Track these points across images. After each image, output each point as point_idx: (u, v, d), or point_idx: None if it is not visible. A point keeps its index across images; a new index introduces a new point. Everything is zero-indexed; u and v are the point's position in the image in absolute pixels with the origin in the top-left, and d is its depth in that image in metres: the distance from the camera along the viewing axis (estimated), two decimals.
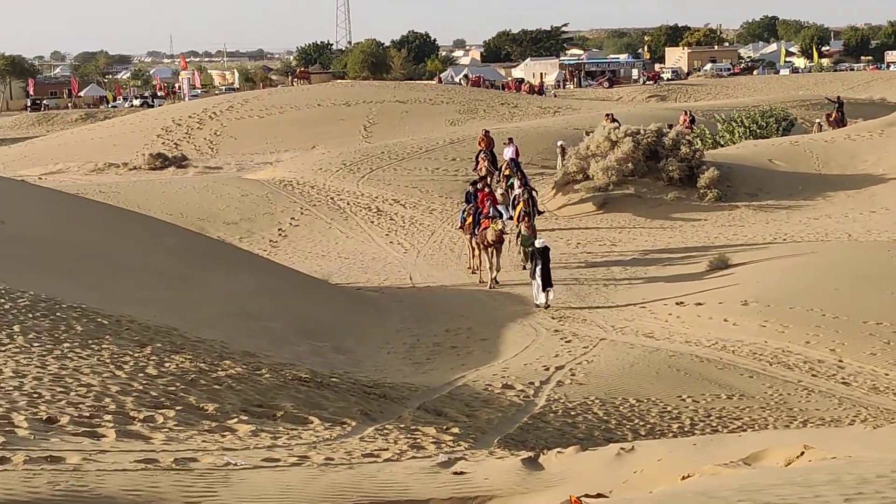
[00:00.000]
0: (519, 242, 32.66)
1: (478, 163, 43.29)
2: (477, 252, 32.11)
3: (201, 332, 19.36)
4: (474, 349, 24.07)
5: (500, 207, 33.02)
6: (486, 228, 30.67)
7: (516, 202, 34.42)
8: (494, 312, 27.84)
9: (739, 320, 24.76)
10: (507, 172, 39.49)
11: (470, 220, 32.40)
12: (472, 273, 32.50)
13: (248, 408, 13.78)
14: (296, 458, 11.17)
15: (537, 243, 28.38)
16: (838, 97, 64.48)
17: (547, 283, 27.76)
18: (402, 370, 21.92)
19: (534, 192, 36.32)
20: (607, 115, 51.31)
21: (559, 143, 47.26)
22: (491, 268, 30.92)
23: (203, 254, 29.40)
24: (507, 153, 41.60)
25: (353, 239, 39.81)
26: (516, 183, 36.54)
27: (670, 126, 48.15)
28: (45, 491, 8.73)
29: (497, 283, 30.76)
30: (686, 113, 55.95)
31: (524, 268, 31.58)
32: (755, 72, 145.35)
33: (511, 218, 33.57)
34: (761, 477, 7.54)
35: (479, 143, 44.43)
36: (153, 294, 22.58)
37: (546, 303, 27.73)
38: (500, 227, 30.67)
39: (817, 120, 59.14)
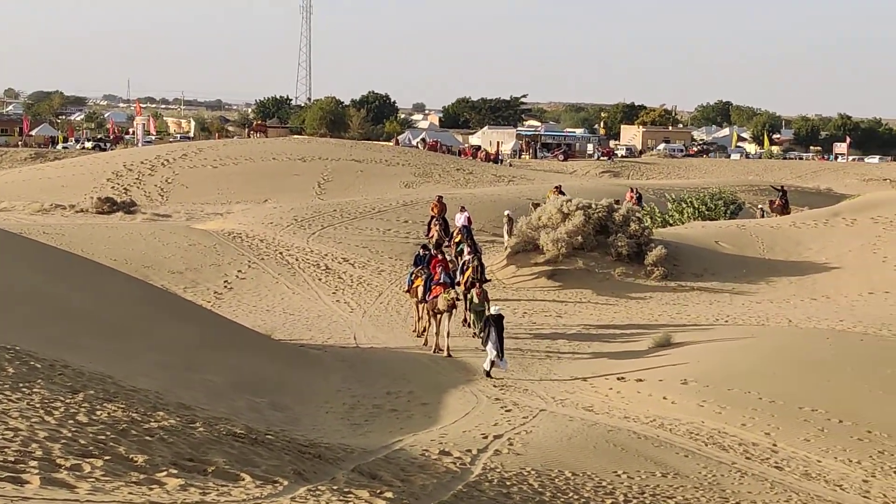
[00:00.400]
0: (469, 309, 32.68)
1: (430, 229, 42.80)
2: (424, 316, 31.86)
3: (137, 382, 19.11)
4: (414, 413, 23.92)
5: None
6: (437, 296, 30.37)
7: (465, 268, 34.41)
8: (437, 377, 27.71)
9: (678, 399, 24.79)
10: (457, 239, 39.23)
11: (418, 283, 32.25)
12: (418, 336, 32.26)
13: (178, 461, 13.56)
14: None
15: (493, 310, 28.22)
16: (782, 186, 65.30)
17: (500, 353, 27.44)
18: (340, 430, 21.73)
19: (482, 259, 36.12)
20: (555, 187, 51.64)
21: (506, 213, 47.29)
22: (438, 334, 30.65)
23: (145, 302, 29.09)
24: (459, 220, 41.35)
25: (299, 295, 39.64)
26: (466, 249, 36.41)
27: (617, 202, 48.54)
28: None
29: (443, 350, 30.26)
30: (633, 190, 56.35)
31: (474, 335, 31.43)
32: (710, 154, 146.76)
33: (459, 283, 33.35)
34: None
35: (433, 209, 43.97)
36: (91, 340, 22.28)
37: (489, 371, 27.46)
38: (452, 295, 30.34)
39: (760, 206, 59.71)
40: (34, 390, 15.29)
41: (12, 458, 11.53)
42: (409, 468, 17.83)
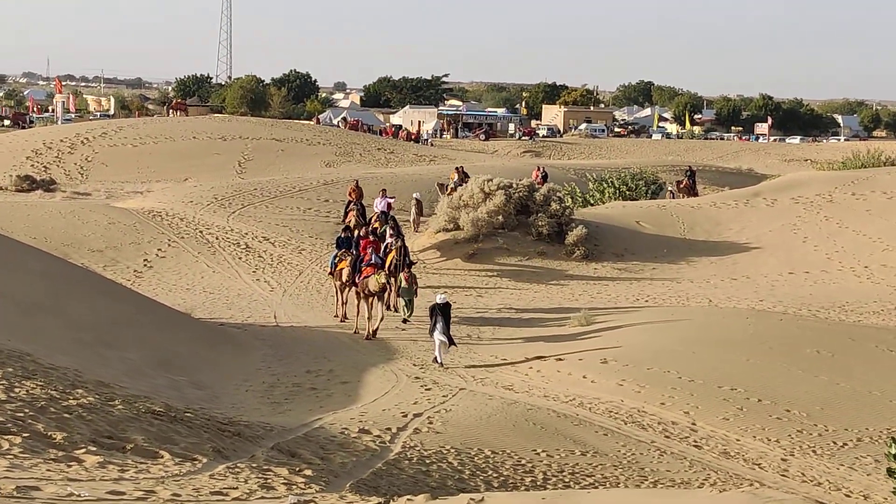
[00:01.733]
0: (398, 294, 32.18)
1: (346, 214, 41.68)
2: (352, 300, 31.35)
3: (55, 359, 18.98)
4: (334, 392, 23.96)
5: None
6: (367, 277, 29.94)
7: (388, 250, 33.78)
8: (357, 356, 27.75)
9: (598, 378, 24.99)
10: (375, 225, 37.98)
11: (342, 266, 31.81)
12: (341, 322, 31.77)
13: (97, 438, 13.51)
14: (142, 492, 10.98)
15: (438, 299, 27.58)
16: (689, 167, 65.65)
17: (450, 340, 27.07)
18: (260, 409, 21.73)
19: (406, 242, 35.63)
20: (456, 168, 51.57)
21: (414, 196, 47.11)
22: (370, 318, 30.17)
23: (64, 280, 28.83)
24: (379, 205, 40.79)
25: (219, 274, 39.46)
26: (388, 232, 35.85)
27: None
28: None
29: (374, 335, 29.86)
30: (539, 168, 56.53)
31: (404, 320, 31.31)
32: (639, 135, 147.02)
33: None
34: None
35: (350, 194, 43.13)
36: (9, 318, 22.08)
37: (440, 360, 26.80)
38: (383, 278, 29.96)
39: (669, 186, 59.95)
40: None
41: None
42: (328, 446, 17.88)
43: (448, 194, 46.49)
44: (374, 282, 29.67)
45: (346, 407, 22.12)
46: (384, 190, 43.60)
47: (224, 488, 11.89)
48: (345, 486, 14.61)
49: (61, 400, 15.15)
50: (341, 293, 32.31)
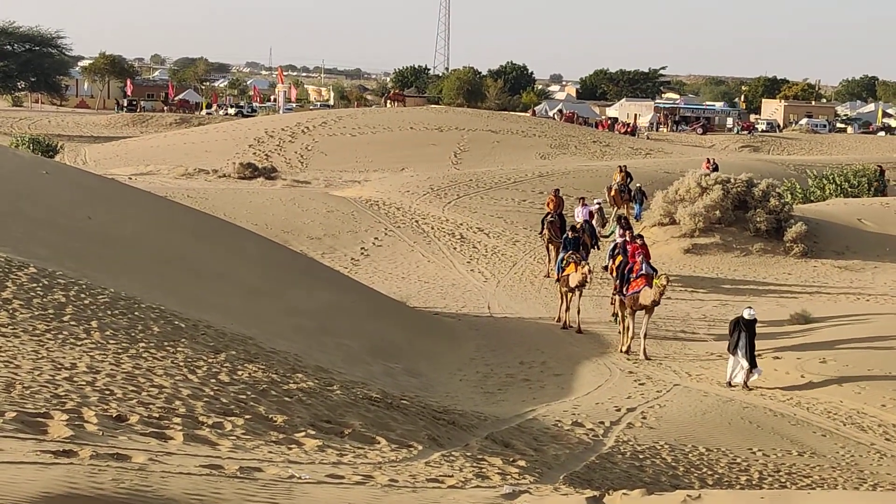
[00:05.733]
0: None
1: (543, 227, 38.37)
2: (566, 300, 29.82)
3: (276, 344, 19.44)
4: (547, 384, 23.95)
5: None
6: (638, 290, 27.03)
7: (615, 253, 31.48)
8: (570, 349, 27.68)
9: (816, 377, 24.40)
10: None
11: (570, 270, 29.51)
12: (563, 328, 29.80)
13: (316, 423, 13.76)
14: (360, 476, 11.12)
15: (745, 314, 24.49)
16: (880, 165, 62.80)
17: (752, 362, 24.17)
18: (473, 398, 21.85)
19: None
20: (619, 167, 50.12)
21: (596, 202, 43.07)
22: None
23: (284, 266, 29.54)
24: (580, 214, 38.66)
25: (434, 264, 39.83)
26: (618, 231, 33.29)
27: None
28: (108, 487, 8.75)
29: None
30: (709, 161, 55.20)
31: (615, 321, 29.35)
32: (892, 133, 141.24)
33: (606, 269, 31.76)
34: None
35: (548, 205, 39.58)
36: (232, 302, 22.72)
37: (745, 384, 24.15)
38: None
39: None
40: (178, 349, 15.64)
41: (157, 415, 11.81)
42: (541, 438, 17.88)
43: (611, 195, 45.86)
44: (647, 296, 26.80)
45: (559, 399, 22.08)
46: (583, 198, 41.68)
47: (440, 476, 11.97)
48: (558, 478, 14.57)
49: (282, 384, 15.48)
50: (566, 298, 29.98)
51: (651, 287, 26.61)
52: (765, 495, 13.09)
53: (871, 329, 28.64)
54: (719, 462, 18.61)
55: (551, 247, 37.19)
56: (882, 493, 17.91)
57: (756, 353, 24.37)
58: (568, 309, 29.93)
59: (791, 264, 41.40)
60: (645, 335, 27.02)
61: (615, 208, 45.47)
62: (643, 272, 27.26)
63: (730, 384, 24.20)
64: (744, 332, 24.11)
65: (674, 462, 18.11)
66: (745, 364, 24.10)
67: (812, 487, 17.73)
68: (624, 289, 27.69)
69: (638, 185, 47.07)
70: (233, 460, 10.65)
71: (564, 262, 30.42)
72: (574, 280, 29.21)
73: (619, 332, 28.19)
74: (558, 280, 30.79)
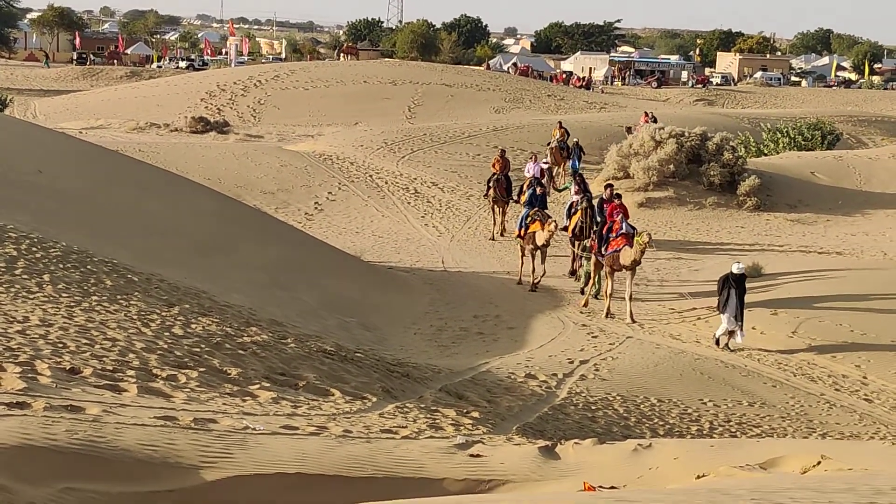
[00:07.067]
0: (581, 251, 29.30)
1: (489, 189, 37.48)
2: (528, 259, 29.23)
3: (230, 298, 19.44)
4: (500, 337, 24.08)
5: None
6: (618, 250, 26.17)
7: (572, 211, 31.03)
8: (524, 302, 27.80)
9: (767, 329, 24.64)
10: (524, 199, 32.41)
11: (535, 227, 28.82)
12: (532, 290, 29.01)
13: (270, 375, 13.81)
14: (314, 427, 11.19)
15: (734, 268, 23.99)
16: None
17: (740, 317, 23.61)
18: (427, 352, 21.96)
19: (593, 202, 30.33)
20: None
21: (544, 162, 41.19)
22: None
23: (237, 221, 29.46)
24: (531, 170, 37.47)
25: (388, 218, 39.84)
26: (573, 188, 32.36)
27: (628, 129, 48.70)
28: (62, 438, 8.78)
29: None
30: (647, 113, 54.81)
31: (582, 291, 28.45)
32: (851, 86, 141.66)
33: (566, 229, 30.42)
34: (776, 481, 7.52)
35: (493, 166, 38.09)
36: (185, 256, 22.66)
37: (734, 341, 23.72)
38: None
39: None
40: (131, 303, 15.63)
41: (110, 367, 11.82)
42: (495, 390, 18.00)
43: (552, 153, 45.41)
44: (626, 256, 25.96)
45: (513, 352, 22.21)
46: (535, 154, 41.51)
47: (394, 427, 12.05)
48: (511, 429, 14.69)
49: (236, 337, 15.51)
50: (531, 257, 29.19)
51: (631, 247, 25.86)
52: (714, 444, 13.26)
53: (823, 284, 28.92)
54: (671, 413, 18.81)
55: (496, 208, 37.00)
56: (831, 441, 18.17)
57: (746, 309, 23.64)
58: (533, 269, 29.11)
59: (744, 218, 41.70)
60: (630, 297, 26.16)
61: (556, 166, 44.89)
62: (623, 231, 26.40)
63: (718, 344, 23.73)
64: (734, 289, 23.52)
65: (626, 413, 18.29)
66: (737, 324, 23.50)
67: (762, 437, 17.96)
68: (602, 248, 26.78)
69: (575, 139, 46.90)
70: (187, 412, 10.69)
71: (529, 218, 29.48)
72: (541, 238, 28.55)
73: (584, 291, 27.89)
74: (521, 237, 29.70)
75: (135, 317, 14.75)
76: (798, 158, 50.36)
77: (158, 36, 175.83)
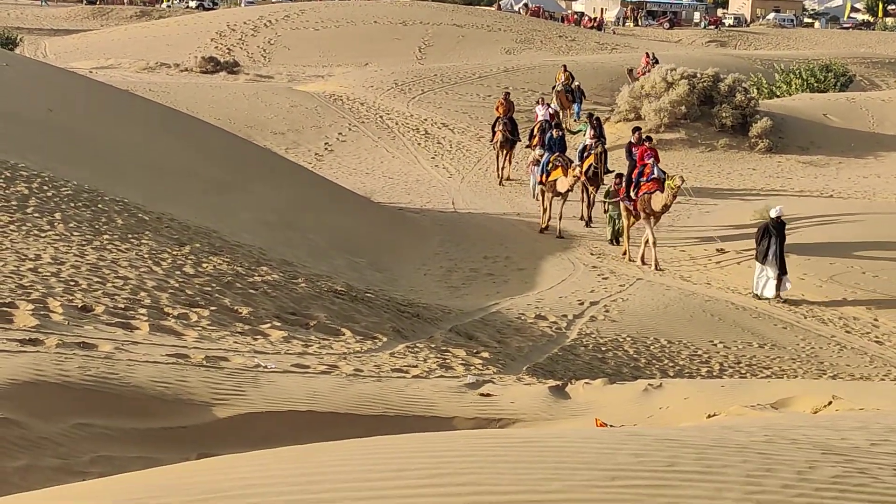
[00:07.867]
0: (606, 208, 28.43)
1: (494, 133, 37.01)
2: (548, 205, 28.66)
3: (240, 238, 19.45)
4: (511, 278, 24.08)
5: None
6: (649, 192, 25.38)
7: (585, 155, 30.56)
8: (534, 244, 27.78)
9: None
10: (535, 142, 33.58)
11: (557, 174, 28.28)
12: (541, 232, 28.77)
13: (281, 314, 13.85)
14: (325, 366, 11.23)
15: (772, 213, 23.41)
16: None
17: (782, 269, 23.01)
18: (438, 292, 21.97)
19: (605, 147, 30.96)
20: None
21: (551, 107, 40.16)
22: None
23: (248, 161, 29.42)
24: (540, 113, 36.90)
25: (398, 159, 39.77)
26: (588, 132, 32.14)
27: (630, 70, 48.51)
28: (75, 375, 8.81)
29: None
30: (648, 55, 54.09)
31: (610, 241, 27.86)
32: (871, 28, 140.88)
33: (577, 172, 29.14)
34: (788, 419, 7.54)
35: (497, 109, 37.92)
36: (195, 196, 22.65)
37: (777, 294, 23.05)
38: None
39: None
40: (142, 241, 15.64)
41: (122, 306, 11.85)
42: (505, 330, 18.03)
43: (558, 97, 44.91)
44: (658, 200, 25.21)
45: (523, 293, 22.22)
46: (542, 97, 40.88)
47: (404, 366, 12.09)
48: (521, 369, 14.73)
49: (247, 276, 15.53)
50: (552, 205, 28.76)
51: (663, 191, 25.19)
52: (725, 384, 13.30)
53: (834, 224, 28.86)
54: (680, 354, 18.83)
55: (503, 152, 36.69)
56: (842, 382, 18.20)
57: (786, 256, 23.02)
58: (552, 216, 28.71)
59: (756, 160, 41.51)
60: (654, 243, 25.61)
61: (562, 110, 44.42)
62: (654, 176, 25.63)
63: (757, 296, 23.11)
64: (774, 237, 22.98)
65: (636, 354, 18.32)
66: (773, 273, 22.95)
67: (772, 378, 17.99)
68: (632, 192, 25.94)
69: (577, 83, 46.50)
70: (199, 350, 10.73)
71: (551, 164, 28.70)
72: (563, 185, 28.07)
73: (619, 241, 27.33)
74: (542, 183, 29.06)
75: (146, 256, 14.76)
76: (811, 100, 50.08)
77: None
